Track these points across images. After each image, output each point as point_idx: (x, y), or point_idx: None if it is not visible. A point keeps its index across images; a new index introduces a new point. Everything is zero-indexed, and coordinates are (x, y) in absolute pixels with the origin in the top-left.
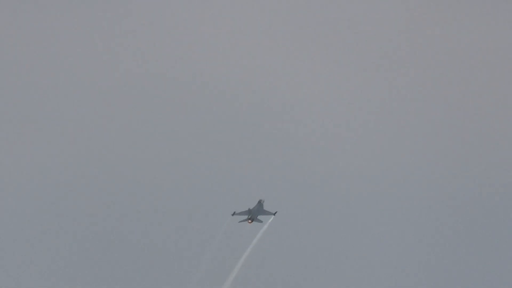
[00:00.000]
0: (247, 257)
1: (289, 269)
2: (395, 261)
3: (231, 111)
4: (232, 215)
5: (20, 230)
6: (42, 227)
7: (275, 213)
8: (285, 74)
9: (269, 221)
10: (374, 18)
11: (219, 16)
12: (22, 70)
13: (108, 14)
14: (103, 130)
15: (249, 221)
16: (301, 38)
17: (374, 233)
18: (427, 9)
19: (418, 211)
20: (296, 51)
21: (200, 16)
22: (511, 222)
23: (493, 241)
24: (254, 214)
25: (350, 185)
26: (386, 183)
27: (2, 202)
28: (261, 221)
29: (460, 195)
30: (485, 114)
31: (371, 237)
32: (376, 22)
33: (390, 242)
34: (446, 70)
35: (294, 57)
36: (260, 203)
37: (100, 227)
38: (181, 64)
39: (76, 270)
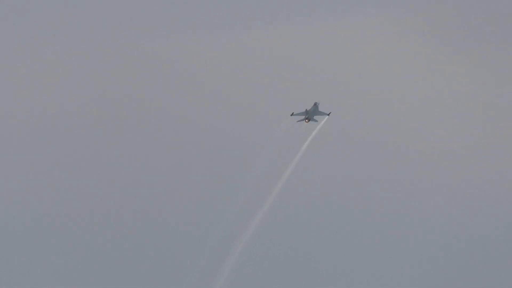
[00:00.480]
0: (305, 148)
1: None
2: None
3: None
4: (291, 115)
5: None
6: (38, 226)
7: (329, 113)
8: None
9: (324, 120)
10: None
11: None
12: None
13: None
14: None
15: (306, 120)
16: None
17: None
18: None
19: None
20: None
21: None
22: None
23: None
24: (311, 114)
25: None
26: None
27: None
28: (316, 121)
29: None
30: None
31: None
32: None
33: None
34: None
35: None
36: (315, 105)
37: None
38: None
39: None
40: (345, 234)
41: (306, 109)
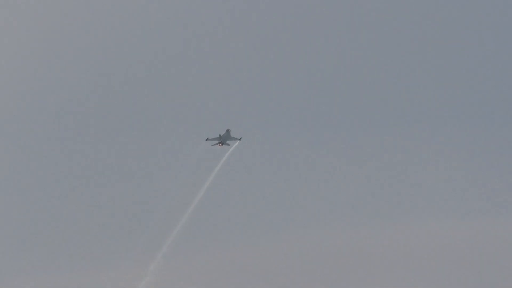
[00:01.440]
0: (218, 168)
1: (251, 180)
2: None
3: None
4: (206, 140)
5: None
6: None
7: (240, 138)
8: None
9: (235, 144)
10: None
11: None
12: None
13: None
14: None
15: (220, 144)
16: None
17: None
18: None
19: None
20: None
21: None
22: None
23: None
24: (224, 139)
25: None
26: None
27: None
28: (229, 145)
29: None
30: None
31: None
32: None
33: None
34: None
35: None
36: (228, 131)
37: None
38: None
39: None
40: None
41: (219, 134)
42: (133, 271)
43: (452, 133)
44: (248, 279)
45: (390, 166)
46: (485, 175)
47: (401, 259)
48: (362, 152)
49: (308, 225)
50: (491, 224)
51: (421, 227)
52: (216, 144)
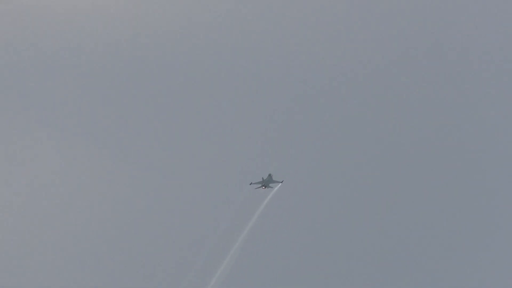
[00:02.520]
0: (261, 210)
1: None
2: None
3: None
4: (250, 184)
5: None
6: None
7: (282, 181)
8: None
9: (278, 187)
10: None
11: None
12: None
13: None
14: None
15: (263, 187)
16: None
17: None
18: None
19: None
20: None
21: None
22: None
23: None
24: (266, 182)
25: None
26: None
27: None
28: (271, 187)
29: None
30: None
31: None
32: None
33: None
34: None
35: None
36: (270, 175)
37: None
38: None
39: None
40: None
41: (262, 178)
42: None
43: None
44: None
45: None
46: None
47: None
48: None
49: None
50: None
51: None
52: (259, 187)
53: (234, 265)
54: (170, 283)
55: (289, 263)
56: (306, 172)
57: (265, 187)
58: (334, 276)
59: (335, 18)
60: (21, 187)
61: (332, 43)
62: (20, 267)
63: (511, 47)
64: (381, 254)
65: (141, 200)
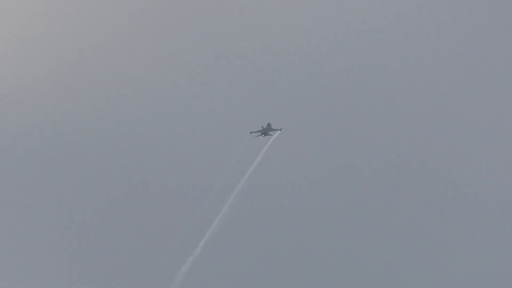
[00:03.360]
0: (263, 153)
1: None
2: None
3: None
4: (250, 132)
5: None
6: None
7: (281, 129)
8: None
9: (276, 134)
10: None
11: None
12: None
13: None
14: None
15: (263, 135)
16: None
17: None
18: None
19: None
20: None
21: None
22: None
23: None
24: (266, 130)
25: None
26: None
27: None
28: (271, 135)
29: None
30: None
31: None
32: None
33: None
34: None
35: None
36: (269, 124)
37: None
38: None
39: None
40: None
41: (262, 126)
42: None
43: None
44: None
45: None
46: None
47: None
48: None
49: None
50: None
51: None
52: (259, 135)
53: (237, 206)
54: (171, 230)
55: (287, 209)
56: (303, 121)
57: (265, 134)
58: (330, 219)
59: None
60: None
61: None
62: None
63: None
64: (371, 209)
65: (145, 147)
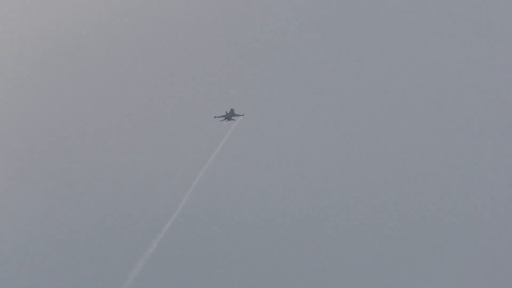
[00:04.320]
0: (227, 138)
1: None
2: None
3: None
4: (214, 117)
5: None
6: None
7: (243, 114)
8: None
9: (239, 119)
10: None
11: None
12: None
13: None
14: None
15: (226, 120)
16: None
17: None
18: None
19: None
20: None
21: None
22: None
23: None
24: (229, 116)
25: None
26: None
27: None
28: (234, 120)
29: None
30: None
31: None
32: None
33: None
34: None
35: None
36: (232, 110)
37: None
38: None
39: None
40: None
41: (226, 111)
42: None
43: None
44: None
45: None
46: None
47: None
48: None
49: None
50: None
51: None
52: (223, 120)
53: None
54: (135, 218)
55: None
56: (266, 106)
57: (228, 119)
58: (294, 199)
59: None
60: None
61: None
62: None
63: None
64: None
65: (111, 135)
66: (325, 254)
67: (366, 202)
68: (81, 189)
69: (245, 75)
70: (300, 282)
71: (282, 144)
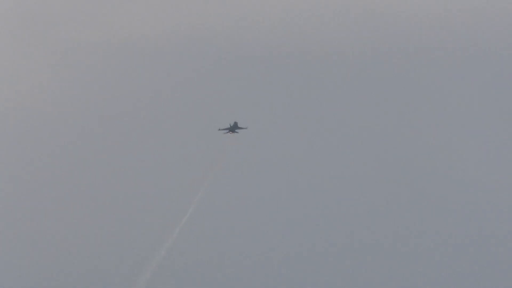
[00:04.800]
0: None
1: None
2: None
3: None
4: (218, 130)
5: None
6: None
7: (247, 127)
8: None
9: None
10: None
11: None
12: None
13: None
14: None
15: (230, 132)
16: None
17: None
18: None
19: None
20: None
21: None
22: None
23: None
24: (233, 128)
25: None
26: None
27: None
28: (238, 132)
29: None
30: None
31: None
32: None
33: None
34: None
35: None
36: (235, 123)
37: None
38: None
39: None
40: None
41: (229, 124)
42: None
43: None
44: None
45: None
46: None
47: None
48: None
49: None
50: None
51: None
52: (227, 132)
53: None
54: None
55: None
56: (269, 119)
57: (232, 132)
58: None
59: None
60: None
61: None
62: None
63: None
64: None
65: (111, 150)
66: None
67: (369, 235)
68: (77, 214)
69: (248, 89)
70: None
71: (284, 160)
